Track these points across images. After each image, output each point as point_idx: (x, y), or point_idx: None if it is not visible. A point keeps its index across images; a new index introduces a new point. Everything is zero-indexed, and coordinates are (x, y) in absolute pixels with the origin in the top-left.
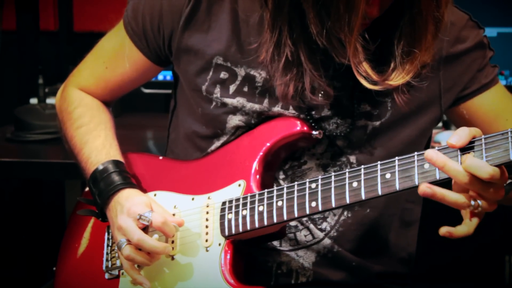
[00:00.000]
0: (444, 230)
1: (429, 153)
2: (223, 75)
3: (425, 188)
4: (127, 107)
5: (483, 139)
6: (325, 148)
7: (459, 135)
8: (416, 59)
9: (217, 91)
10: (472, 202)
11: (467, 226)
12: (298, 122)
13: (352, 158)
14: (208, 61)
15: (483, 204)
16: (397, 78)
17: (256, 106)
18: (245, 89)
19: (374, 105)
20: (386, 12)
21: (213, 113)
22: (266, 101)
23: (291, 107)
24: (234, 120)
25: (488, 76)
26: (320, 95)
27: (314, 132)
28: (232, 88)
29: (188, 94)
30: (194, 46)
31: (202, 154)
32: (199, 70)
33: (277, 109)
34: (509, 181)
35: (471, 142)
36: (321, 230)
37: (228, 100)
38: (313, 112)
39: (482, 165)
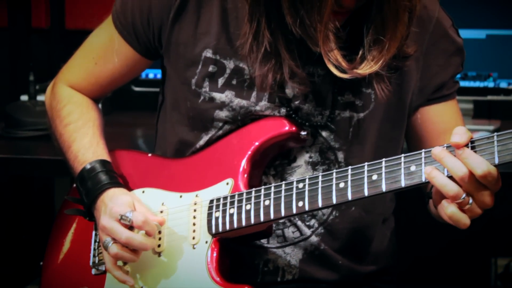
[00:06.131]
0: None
1: (435, 148)
2: (212, 68)
3: (431, 170)
4: (118, 105)
5: (495, 136)
6: (312, 140)
7: (459, 134)
8: (384, 48)
9: (206, 85)
10: (463, 196)
11: (465, 215)
12: (287, 122)
13: (340, 157)
14: (198, 54)
15: (472, 204)
16: (365, 67)
17: (244, 102)
18: (234, 82)
19: (358, 95)
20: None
21: (200, 108)
22: (254, 94)
23: (276, 99)
24: (221, 116)
25: (451, 88)
26: (298, 84)
27: (302, 133)
28: (220, 81)
29: (177, 88)
30: (184, 39)
31: (190, 149)
32: (188, 64)
33: (264, 103)
34: None
35: (481, 139)
36: (309, 227)
37: (216, 95)
38: (297, 102)
39: (479, 160)
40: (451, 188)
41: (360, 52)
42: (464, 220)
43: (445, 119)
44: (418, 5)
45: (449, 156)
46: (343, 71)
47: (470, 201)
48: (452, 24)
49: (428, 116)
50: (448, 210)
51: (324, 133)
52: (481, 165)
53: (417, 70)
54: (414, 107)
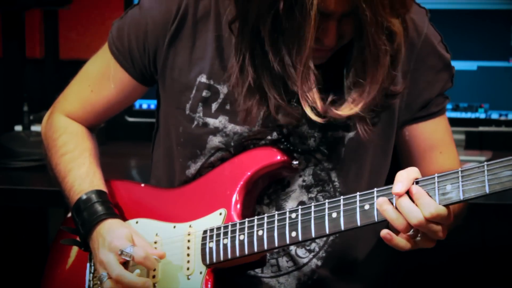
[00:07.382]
0: (385, 231)
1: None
2: (206, 93)
3: (382, 202)
4: (111, 135)
5: (485, 166)
6: (306, 163)
7: (401, 182)
8: (364, 91)
9: (200, 110)
10: (412, 231)
11: (407, 242)
12: (279, 152)
13: (334, 176)
14: (192, 79)
15: (421, 238)
16: (346, 109)
17: (237, 128)
18: (227, 107)
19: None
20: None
21: (194, 133)
22: None
23: (269, 124)
24: (214, 141)
25: (439, 104)
26: (285, 116)
27: (294, 162)
28: (214, 106)
29: (170, 113)
30: (179, 64)
31: (181, 177)
32: (183, 88)
33: (257, 127)
34: None
35: (447, 174)
36: (309, 251)
37: (210, 120)
38: (289, 126)
39: (429, 202)
40: (400, 222)
41: (340, 94)
42: (406, 246)
43: (432, 136)
44: (403, 48)
45: (409, 203)
46: (318, 113)
47: (419, 234)
48: (441, 40)
49: (415, 133)
50: (400, 242)
51: (317, 155)
52: (430, 207)
53: (404, 85)
54: (401, 122)
